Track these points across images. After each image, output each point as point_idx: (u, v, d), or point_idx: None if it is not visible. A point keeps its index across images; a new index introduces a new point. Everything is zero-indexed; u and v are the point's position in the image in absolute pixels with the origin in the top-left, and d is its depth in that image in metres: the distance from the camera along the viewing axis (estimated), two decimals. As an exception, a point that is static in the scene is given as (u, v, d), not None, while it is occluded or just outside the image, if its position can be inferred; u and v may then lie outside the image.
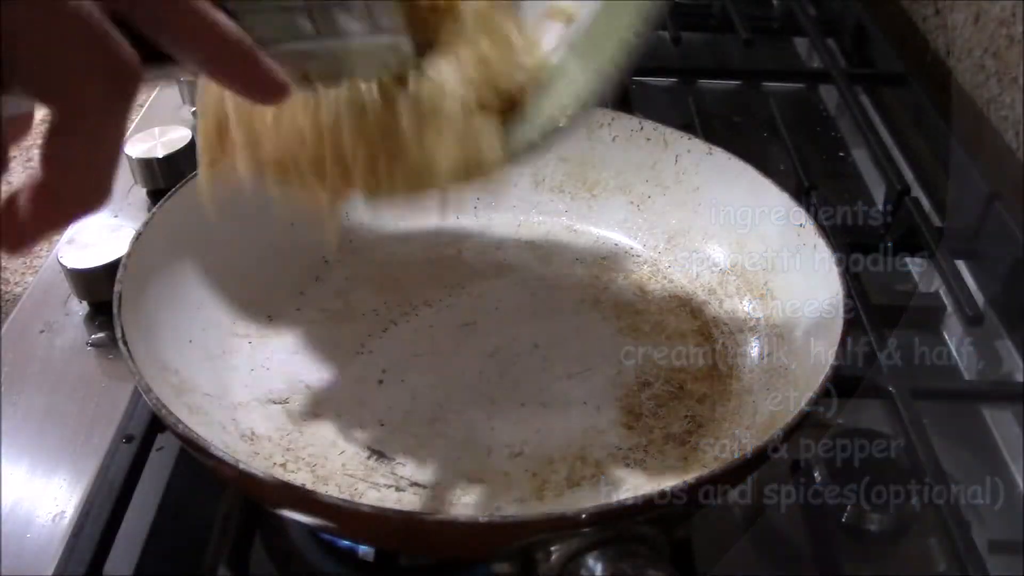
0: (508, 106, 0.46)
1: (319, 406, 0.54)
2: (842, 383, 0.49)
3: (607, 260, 0.66)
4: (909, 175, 0.82)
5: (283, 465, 0.50)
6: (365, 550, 0.52)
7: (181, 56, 0.31)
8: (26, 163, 0.95)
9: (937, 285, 0.73)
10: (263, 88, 0.34)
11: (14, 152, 0.32)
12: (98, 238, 0.64)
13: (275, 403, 0.54)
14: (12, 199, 0.30)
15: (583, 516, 0.39)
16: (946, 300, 0.72)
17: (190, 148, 0.75)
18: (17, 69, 0.27)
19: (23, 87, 0.28)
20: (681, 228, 0.66)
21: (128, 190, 0.74)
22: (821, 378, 0.47)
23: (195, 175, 0.58)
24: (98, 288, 0.63)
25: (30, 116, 0.34)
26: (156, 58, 0.31)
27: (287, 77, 0.34)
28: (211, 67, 0.33)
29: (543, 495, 0.50)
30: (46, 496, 0.53)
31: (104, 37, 0.28)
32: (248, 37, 0.32)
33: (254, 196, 0.61)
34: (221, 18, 0.31)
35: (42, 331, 0.63)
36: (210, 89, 0.46)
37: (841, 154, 0.92)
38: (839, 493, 0.53)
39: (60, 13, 0.27)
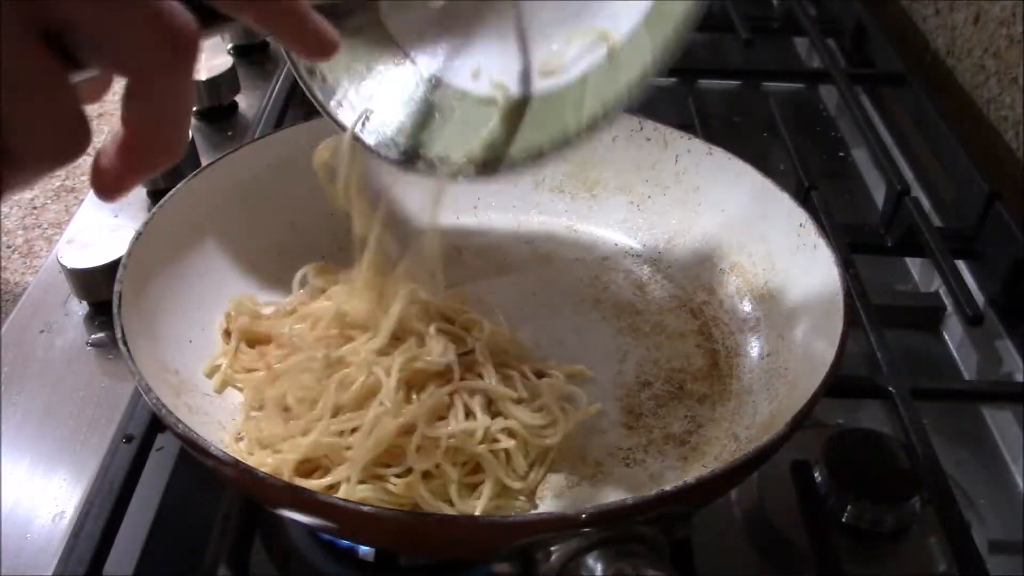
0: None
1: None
2: (842, 383, 0.49)
3: (607, 260, 0.66)
4: (909, 175, 0.82)
5: (283, 465, 0.50)
6: (365, 550, 0.52)
7: (238, 17, 0.35)
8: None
9: (937, 285, 0.73)
10: (314, 45, 0.37)
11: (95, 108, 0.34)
12: (98, 238, 0.64)
13: (275, 403, 0.54)
14: (100, 154, 0.34)
15: (583, 516, 0.39)
16: (946, 300, 0.72)
17: (191, 147, 0.75)
18: (90, 48, 0.31)
19: (98, 63, 0.31)
20: (681, 228, 0.66)
21: (128, 190, 0.74)
22: (821, 378, 0.46)
23: (195, 175, 0.58)
24: (98, 288, 0.63)
25: (109, 79, 0.37)
26: (212, 18, 0.34)
27: (335, 34, 0.37)
28: (264, 26, 0.36)
29: (543, 495, 0.50)
30: (46, 496, 0.53)
31: (159, 12, 0.31)
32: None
33: (254, 197, 0.61)
34: None
35: (42, 331, 0.63)
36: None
37: (841, 154, 0.92)
38: (839, 493, 0.53)
39: None
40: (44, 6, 0.29)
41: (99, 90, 0.37)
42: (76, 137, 0.31)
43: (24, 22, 0.29)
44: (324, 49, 0.38)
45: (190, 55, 0.32)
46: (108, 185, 0.34)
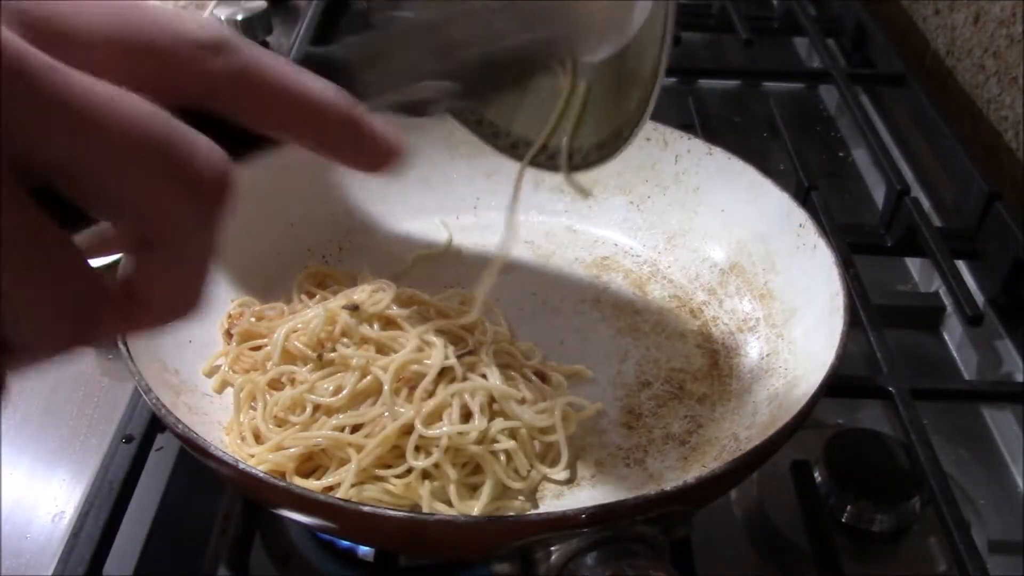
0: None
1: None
2: (842, 383, 0.49)
3: (607, 260, 0.66)
4: (909, 175, 0.82)
5: (283, 465, 0.51)
6: (365, 550, 0.52)
7: (280, 137, 0.29)
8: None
9: (937, 285, 0.73)
10: (374, 161, 0.31)
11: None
12: (98, 238, 0.64)
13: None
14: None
15: (583, 516, 0.39)
16: (946, 300, 0.72)
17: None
18: (89, 201, 0.24)
19: (107, 216, 0.25)
20: (681, 228, 0.66)
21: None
22: (821, 378, 0.46)
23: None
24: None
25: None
26: (247, 144, 0.28)
27: (397, 141, 0.31)
28: (318, 144, 0.30)
29: (543, 495, 0.50)
30: (46, 496, 0.53)
31: (173, 146, 0.24)
32: (352, 102, 0.29)
33: (254, 197, 0.61)
34: (320, 87, 0.28)
35: (42, 331, 0.63)
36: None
37: (841, 154, 0.92)
38: (839, 493, 0.53)
39: (114, 132, 0.23)
40: (34, 157, 0.23)
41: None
42: (85, 312, 0.25)
43: (9, 179, 0.22)
44: (386, 162, 0.31)
45: (217, 199, 0.26)
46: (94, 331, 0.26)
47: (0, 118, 0.22)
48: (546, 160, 0.52)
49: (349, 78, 0.30)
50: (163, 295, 0.27)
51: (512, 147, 0.54)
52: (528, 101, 0.52)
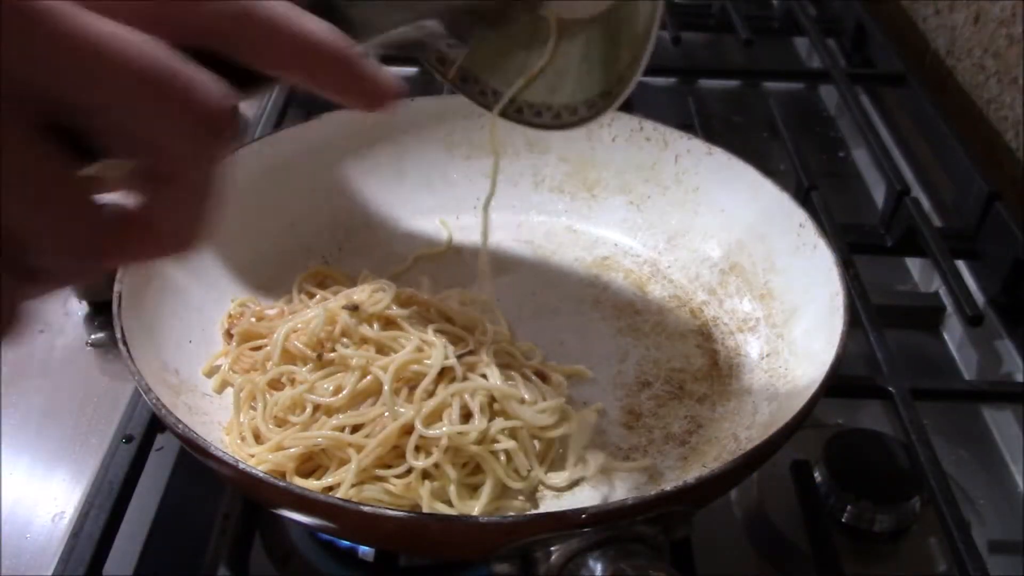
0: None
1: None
2: (842, 383, 0.49)
3: (607, 260, 0.66)
4: (909, 175, 0.82)
5: (283, 465, 0.51)
6: (365, 550, 0.52)
7: (280, 75, 0.30)
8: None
9: (937, 285, 0.73)
10: (371, 97, 0.32)
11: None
12: (98, 238, 0.64)
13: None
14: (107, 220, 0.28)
15: (583, 516, 0.39)
16: (946, 300, 0.72)
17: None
18: (104, 137, 0.26)
19: (114, 153, 0.27)
20: (681, 228, 0.66)
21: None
22: (821, 378, 0.47)
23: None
24: (98, 288, 0.63)
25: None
26: (248, 81, 0.29)
27: (392, 82, 0.32)
28: (313, 83, 0.31)
29: (543, 495, 0.50)
30: (46, 496, 0.53)
31: (178, 82, 0.26)
32: (348, 42, 0.30)
33: (254, 197, 0.61)
34: (317, 28, 0.29)
35: (42, 331, 0.63)
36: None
37: (841, 154, 0.92)
38: (839, 493, 0.53)
39: (121, 68, 0.25)
40: (33, 83, 0.24)
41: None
42: (96, 245, 0.26)
43: (12, 107, 0.24)
44: (382, 100, 0.32)
45: (220, 131, 0.27)
46: (90, 271, 0.28)
47: (15, 55, 0.23)
48: (533, 116, 0.53)
49: (343, 19, 0.31)
50: (168, 226, 0.28)
51: (506, 105, 0.54)
52: (515, 56, 0.52)
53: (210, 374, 0.54)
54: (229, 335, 0.56)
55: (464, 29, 0.40)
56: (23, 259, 0.25)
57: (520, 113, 0.53)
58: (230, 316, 0.57)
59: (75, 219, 0.26)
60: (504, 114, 0.53)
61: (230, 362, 0.54)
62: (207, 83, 0.26)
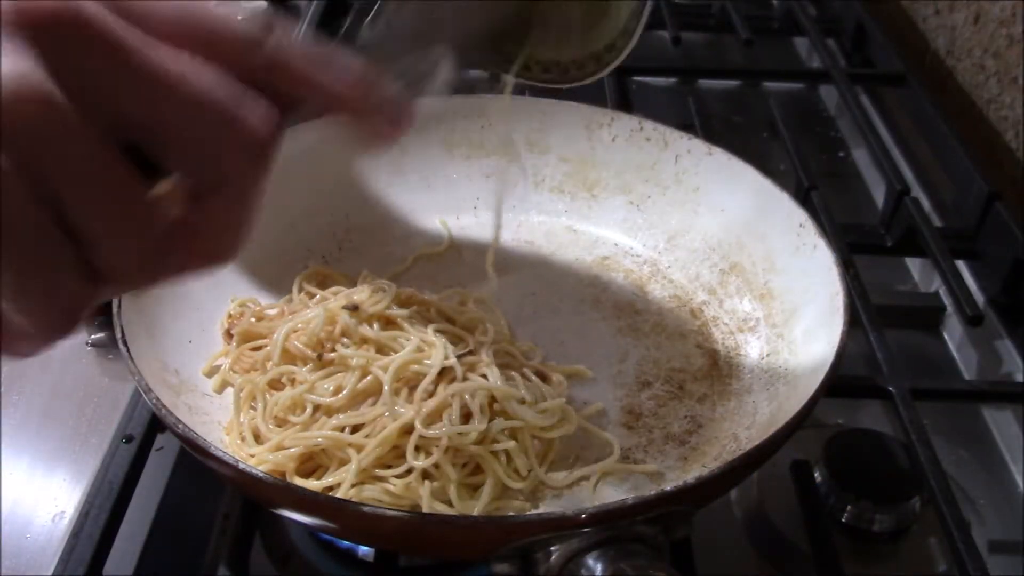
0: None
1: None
2: (842, 383, 0.49)
3: (607, 260, 0.66)
4: (909, 175, 0.82)
5: (283, 465, 0.51)
6: (365, 550, 0.52)
7: (311, 99, 0.34)
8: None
9: (937, 285, 0.73)
10: (391, 130, 0.36)
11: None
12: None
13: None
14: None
15: (583, 516, 0.39)
16: (946, 300, 0.72)
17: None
18: (166, 154, 0.29)
19: (174, 168, 0.30)
20: (681, 228, 0.66)
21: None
22: (821, 378, 0.46)
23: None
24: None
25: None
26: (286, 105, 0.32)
27: (411, 113, 0.36)
28: (345, 112, 0.35)
29: (543, 495, 0.50)
30: (46, 496, 0.53)
31: (235, 108, 0.29)
32: (373, 75, 0.34)
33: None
34: (351, 66, 0.33)
35: (42, 331, 0.63)
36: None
37: (841, 154, 0.92)
38: (839, 493, 0.53)
39: (192, 96, 0.29)
40: (118, 110, 0.28)
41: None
42: (153, 251, 0.29)
43: (100, 131, 0.27)
44: (399, 131, 0.36)
45: (267, 153, 0.31)
46: (148, 280, 0.31)
47: (105, 79, 0.27)
48: (541, 73, 0.53)
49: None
50: (212, 237, 0.31)
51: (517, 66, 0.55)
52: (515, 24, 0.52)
53: (210, 374, 0.54)
54: (229, 335, 0.56)
55: (469, 51, 0.42)
56: (87, 259, 0.28)
57: (528, 71, 0.54)
58: (230, 316, 0.57)
59: (138, 225, 0.29)
60: (516, 74, 0.54)
61: (230, 362, 0.54)
62: (259, 109, 0.30)
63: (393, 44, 0.39)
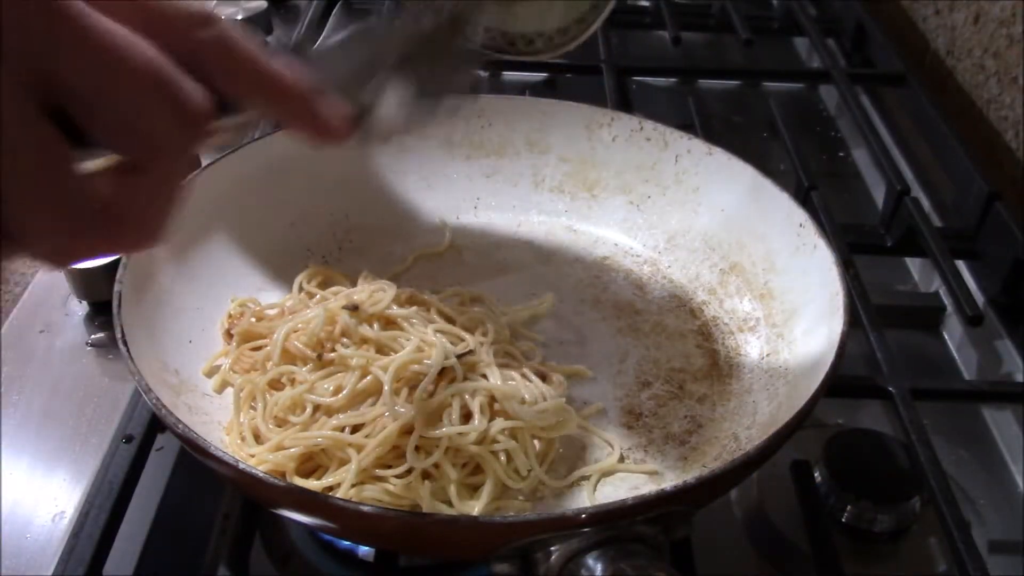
0: None
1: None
2: (842, 383, 0.49)
3: (607, 260, 0.66)
4: (909, 175, 0.82)
5: (283, 465, 0.51)
6: (365, 550, 0.52)
7: (251, 105, 0.34)
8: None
9: (937, 285, 0.73)
10: (324, 135, 0.36)
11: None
12: (98, 238, 0.64)
13: (275, 403, 0.54)
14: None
15: (583, 516, 0.39)
16: (946, 300, 0.72)
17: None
18: (96, 123, 0.29)
19: (103, 139, 0.30)
20: (681, 228, 0.66)
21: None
22: (821, 378, 0.46)
23: (195, 174, 0.58)
24: (98, 288, 0.63)
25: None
26: (220, 108, 0.33)
27: (344, 122, 0.36)
28: (275, 115, 0.36)
29: (543, 495, 0.50)
30: (46, 496, 0.53)
31: (173, 85, 0.30)
32: (307, 84, 0.34)
33: (255, 197, 0.61)
34: (283, 71, 0.34)
35: (42, 331, 0.63)
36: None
37: (841, 154, 0.92)
38: (839, 493, 0.53)
39: (129, 67, 0.29)
40: (49, 71, 0.27)
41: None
42: (81, 222, 0.29)
43: (25, 88, 0.27)
44: (329, 137, 0.36)
45: (198, 134, 0.31)
46: (63, 253, 0.31)
47: (39, 42, 0.27)
48: (526, 46, 0.53)
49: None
50: (139, 215, 0.31)
51: (499, 42, 0.54)
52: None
53: (210, 374, 0.54)
54: (229, 335, 0.56)
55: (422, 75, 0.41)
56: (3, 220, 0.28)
57: (514, 46, 0.54)
58: (230, 316, 0.57)
59: (57, 189, 0.28)
60: (500, 51, 0.53)
61: (230, 362, 0.54)
62: (195, 88, 0.31)
63: (341, 61, 0.39)
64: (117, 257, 0.60)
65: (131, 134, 0.30)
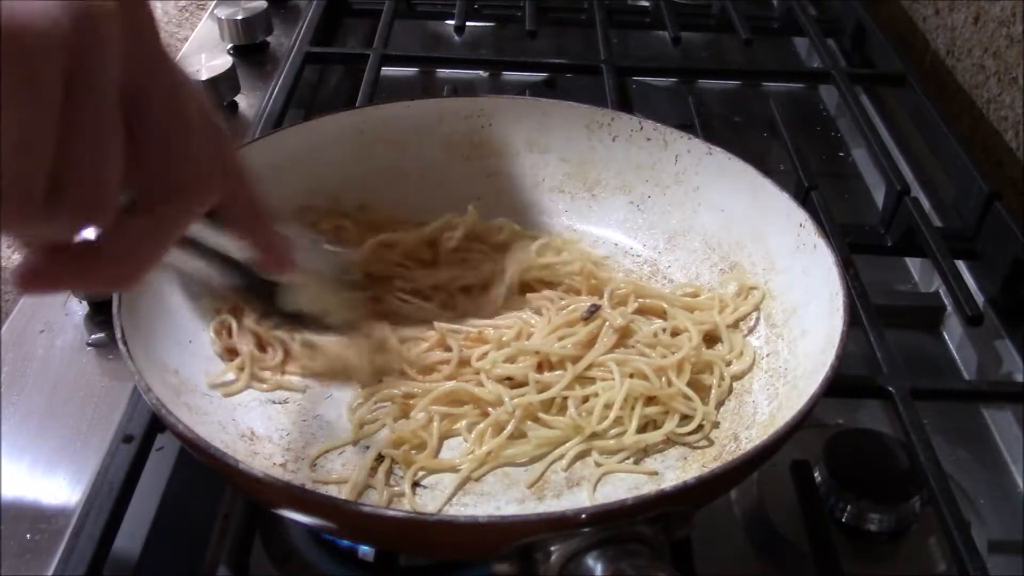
0: None
1: (319, 407, 0.55)
2: (842, 383, 0.49)
3: (607, 260, 0.66)
4: (909, 175, 0.82)
5: (283, 465, 0.51)
6: (365, 550, 0.52)
7: (240, 232, 0.42)
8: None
9: (937, 285, 0.73)
10: (279, 264, 0.45)
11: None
12: (98, 238, 0.64)
13: (275, 403, 0.54)
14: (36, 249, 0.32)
15: (583, 516, 0.39)
16: (946, 300, 0.72)
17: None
18: (147, 140, 0.32)
19: (151, 169, 0.33)
20: (681, 228, 0.66)
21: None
22: (821, 378, 0.46)
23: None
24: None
25: None
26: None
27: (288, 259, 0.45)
28: (247, 239, 0.43)
29: (543, 495, 0.50)
30: (46, 496, 0.53)
31: (225, 140, 0.36)
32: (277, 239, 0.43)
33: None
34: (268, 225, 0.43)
35: (42, 331, 0.63)
36: None
37: (841, 154, 0.92)
38: (839, 493, 0.53)
39: (198, 108, 0.34)
40: (143, 87, 0.31)
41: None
42: (97, 204, 0.31)
43: (118, 88, 0.30)
44: (285, 269, 0.45)
45: (205, 206, 0.36)
46: (41, 279, 0.32)
47: (142, 60, 0.31)
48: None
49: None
50: (122, 258, 0.33)
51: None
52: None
53: (216, 384, 0.54)
54: (229, 352, 0.55)
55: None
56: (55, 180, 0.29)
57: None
58: (220, 334, 0.56)
59: (96, 188, 0.30)
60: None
61: (250, 365, 0.55)
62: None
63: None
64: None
65: (181, 161, 0.34)
